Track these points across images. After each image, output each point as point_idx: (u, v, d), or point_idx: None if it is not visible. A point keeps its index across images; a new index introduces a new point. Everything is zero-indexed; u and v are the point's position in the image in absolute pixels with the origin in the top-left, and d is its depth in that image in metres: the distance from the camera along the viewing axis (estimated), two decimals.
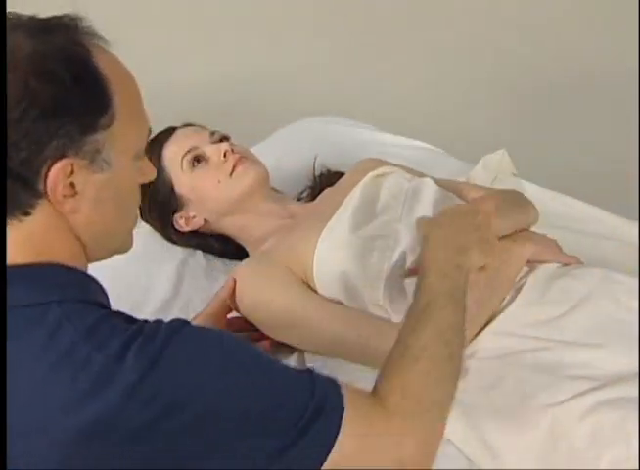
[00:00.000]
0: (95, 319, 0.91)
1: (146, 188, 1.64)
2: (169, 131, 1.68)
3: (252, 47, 2.97)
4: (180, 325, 0.94)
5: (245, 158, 1.64)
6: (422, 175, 1.66)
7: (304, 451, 0.93)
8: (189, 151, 1.62)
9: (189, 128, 1.69)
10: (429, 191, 1.54)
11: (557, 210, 1.78)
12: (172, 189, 1.64)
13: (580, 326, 1.34)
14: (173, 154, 1.63)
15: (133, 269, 1.70)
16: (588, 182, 2.30)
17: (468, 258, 1.18)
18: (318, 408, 0.94)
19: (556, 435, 1.22)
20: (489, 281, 1.39)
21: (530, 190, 1.83)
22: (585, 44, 2.98)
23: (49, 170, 0.91)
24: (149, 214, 1.72)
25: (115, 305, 1.60)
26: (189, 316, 1.53)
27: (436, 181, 1.59)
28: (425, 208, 1.50)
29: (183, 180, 1.63)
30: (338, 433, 0.95)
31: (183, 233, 1.70)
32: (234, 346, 0.97)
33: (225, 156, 1.61)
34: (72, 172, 0.93)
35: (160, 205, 1.67)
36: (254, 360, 0.97)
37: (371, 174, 1.60)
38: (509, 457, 1.24)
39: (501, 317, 1.38)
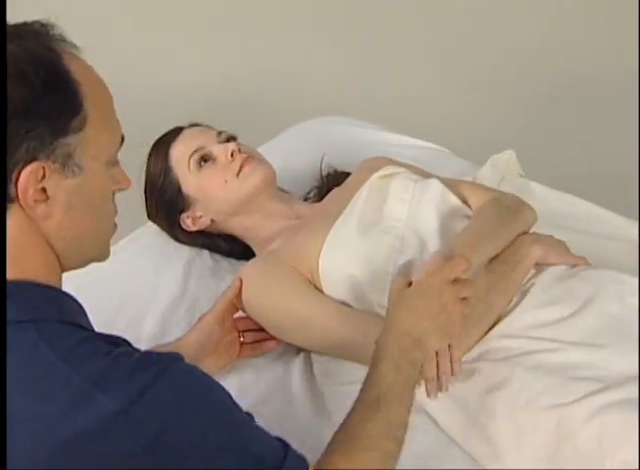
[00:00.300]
0: (74, 341, 0.90)
1: (153, 188, 1.67)
2: (176, 131, 1.69)
3: (259, 47, 2.97)
4: (170, 364, 0.92)
5: (252, 158, 1.64)
6: (428, 175, 1.66)
7: None
8: (196, 151, 1.63)
9: (196, 128, 1.70)
10: (435, 192, 1.54)
11: (563, 210, 1.78)
12: (179, 189, 1.65)
13: (586, 327, 1.33)
14: (180, 153, 1.64)
15: (140, 268, 1.70)
16: (592, 182, 2.29)
17: (424, 352, 1.17)
18: None
19: (562, 436, 1.21)
20: (497, 283, 1.39)
21: (538, 190, 1.83)
22: (590, 44, 2.97)
23: (20, 174, 0.90)
24: (156, 214, 1.72)
25: (122, 304, 1.63)
26: (195, 315, 1.54)
27: (442, 181, 1.59)
28: (430, 209, 1.51)
29: (190, 180, 1.63)
30: None
31: (190, 233, 1.70)
32: (220, 400, 0.96)
33: (232, 156, 1.61)
34: (44, 176, 0.92)
35: (166, 204, 1.67)
36: (237, 419, 0.96)
37: (377, 175, 1.60)
38: (514, 458, 1.25)
39: (507, 319, 1.38)
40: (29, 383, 0.86)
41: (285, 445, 1.00)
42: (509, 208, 1.51)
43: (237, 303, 1.50)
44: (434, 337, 1.18)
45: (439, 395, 1.33)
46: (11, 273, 0.93)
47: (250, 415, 1.01)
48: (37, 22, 0.96)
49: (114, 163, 1.02)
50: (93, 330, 0.99)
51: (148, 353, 0.95)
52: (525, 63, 2.99)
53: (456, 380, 1.33)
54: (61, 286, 1.00)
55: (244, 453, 0.93)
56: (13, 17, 1.00)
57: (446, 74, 3.03)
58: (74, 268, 1.03)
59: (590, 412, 1.21)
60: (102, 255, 1.08)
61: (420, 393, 1.36)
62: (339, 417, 1.38)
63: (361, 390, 1.14)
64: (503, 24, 3.05)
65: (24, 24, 0.95)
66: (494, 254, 1.43)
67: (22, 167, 0.90)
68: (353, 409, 1.11)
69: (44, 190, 0.93)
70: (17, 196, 0.91)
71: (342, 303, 1.45)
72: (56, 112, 0.92)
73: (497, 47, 3.01)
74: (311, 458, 1.05)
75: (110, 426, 0.85)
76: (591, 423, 1.20)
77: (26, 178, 0.91)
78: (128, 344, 0.99)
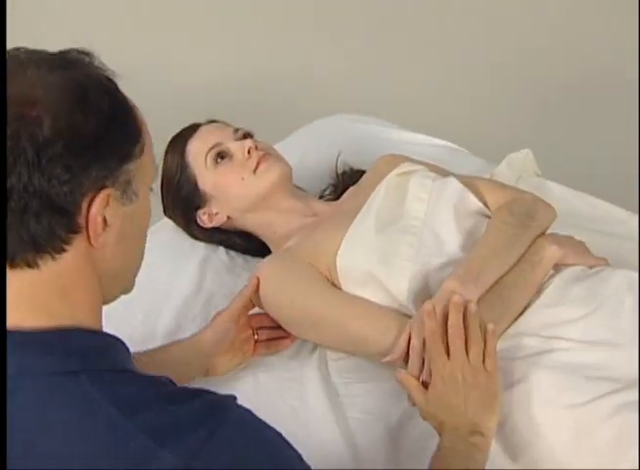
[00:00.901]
0: (131, 391, 0.87)
1: (169, 184, 1.68)
2: (193, 127, 1.69)
3: (274, 45, 2.98)
4: (226, 413, 0.89)
5: (268, 154, 1.64)
6: (446, 172, 1.65)
7: None
8: (213, 147, 1.63)
9: (213, 125, 1.70)
10: (453, 191, 1.54)
11: (581, 209, 1.77)
12: (196, 185, 1.65)
13: (602, 327, 1.33)
14: (197, 150, 1.64)
15: (156, 265, 1.70)
16: (609, 182, 2.28)
17: (482, 434, 1.19)
18: None
19: (580, 436, 1.21)
20: (516, 284, 1.39)
21: (555, 190, 1.82)
22: (608, 40, 2.95)
23: (91, 203, 0.87)
24: (172, 211, 1.72)
25: (138, 300, 1.63)
26: (211, 312, 1.54)
27: (460, 179, 1.58)
28: (448, 208, 1.51)
29: (206, 177, 1.63)
30: None
31: (206, 229, 1.70)
32: (274, 449, 0.92)
33: (249, 152, 1.61)
34: (107, 204, 0.89)
35: (183, 201, 1.68)
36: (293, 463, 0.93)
37: (394, 172, 1.60)
38: (531, 456, 1.24)
39: (524, 318, 1.38)
40: (87, 439, 0.83)
41: None
42: (524, 213, 1.50)
43: (254, 300, 1.50)
44: (484, 415, 1.20)
45: None
46: (60, 311, 0.89)
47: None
48: (74, 50, 0.92)
49: (151, 188, 1.00)
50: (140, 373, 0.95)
51: (205, 399, 0.90)
52: (543, 60, 2.98)
53: None
54: (102, 325, 0.95)
55: None
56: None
57: (462, 73, 3.02)
58: (107, 303, 0.98)
59: (608, 412, 1.21)
60: (131, 285, 1.03)
61: None
62: (353, 414, 1.39)
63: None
64: (520, 22, 3.04)
65: (65, 53, 0.92)
66: (508, 268, 1.42)
67: (94, 196, 0.87)
68: None
69: (104, 219, 0.89)
70: (86, 225, 0.88)
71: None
72: (122, 139, 0.90)
73: (514, 45, 3.00)
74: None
75: None
76: (609, 423, 1.20)
77: (97, 208, 0.87)
78: (172, 383, 0.94)
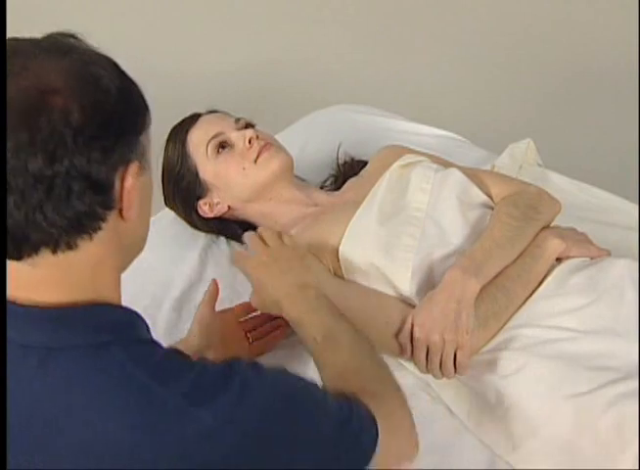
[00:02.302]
0: (158, 358, 0.90)
1: (170, 174, 1.67)
2: (194, 117, 1.69)
3: (275, 36, 2.97)
4: (249, 376, 0.94)
5: (270, 144, 1.63)
6: (448, 163, 1.65)
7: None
8: (214, 137, 1.62)
9: (214, 114, 1.70)
10: (455, 182, 1.54)
11: (582, 200, 1.77)
12: (197, 175, 1.64)
13: (603, 316, 1.34)
14: (198, 140, 1.64)
15: (157, 255, 1.70)
16: (610, 172, 2.28)
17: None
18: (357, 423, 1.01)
19: (580, 425, 1.21)
20: (518, 276, 1.40)
21: (556, 180, 1.82)
22: (611, 29, 2.94)
23: (123, 178, 0.89)
24: (173, 200, 1.72)
25: (139, 290, 1.63)
26: None
27: (462, 170, 1.58)
28: (451, 199, 1.51)
29: (208, 166, 1.63)
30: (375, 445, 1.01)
31: (207, 219, 1.70)
32: (295, 391, 0.99)
33: (250, 142, 1.61)
34: (137, 177, 0.91)
35: (184, 191, 1.67)
36: (312, 402, 1.00)
37: (397, 163, 1.60)
38: (531, 447, 1.24)
39: (525, 308, 1.39)
40: (123, 406, 0.86)
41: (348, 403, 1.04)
42: (529, 206, 1.51)
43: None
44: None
45: (457, 384, 1.34)
46: (88, 290, 0.91)
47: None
48: (59, 34, 0.93)
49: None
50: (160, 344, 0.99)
51: (226, 363, 0.96)
52: (544, 51, 2.97)
53: (473, 369, 1.33)
54: (121, 300, 0.99)
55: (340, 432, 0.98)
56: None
57: (464, 63, 3.01)
58: (122, 271, 1.00)
59: (608, 402, 1.21)
60: (140, 251, 1.05)
61: (437, 382, 1.37)
62: None
63: None
64: (522, 13, 3.03)
65: (54, 38, 0.92)
66: (512, 259, 1.43)
67: (125, 171, 0.89)
68: None
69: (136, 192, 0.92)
70: (121, 200, 0.90)
71: None
72: (136, 112, 0.92)
73: (516, 35, 2.99)
74: None
75: (211, 435, 0.87)
76: (609, 413, 1.20)
77: (131, 181, 0.90)
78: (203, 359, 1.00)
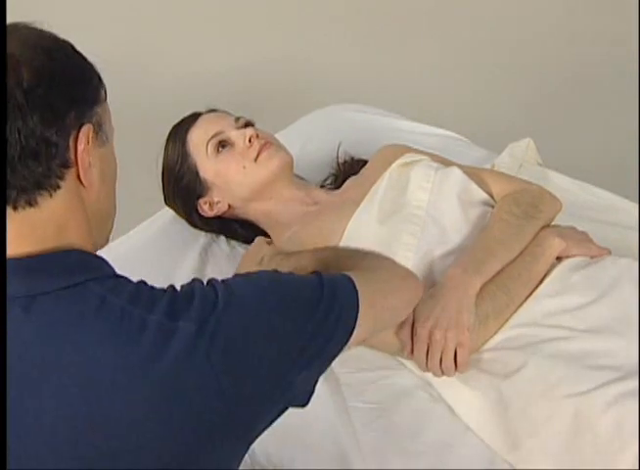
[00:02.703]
0: (133, 287, 0.94)
1: (170, 173, 1.67)
2: (194, 116, 1.68)
3: (275, 35, 2.97)
4: (221, 284, 0.97)
5: (270, 143, 1.63)
6: (448, 163, 1.65)
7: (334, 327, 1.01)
8: (214, 136, 1.62)
9: (213, 114, 1.69)
10: (456, 181, 1.55)
11: (582, 199, 1.77)
12: (197, 174, 1.64)
13: (603, 315, 1.34)
14: (198, 139, 1.63)
15: (157, 254, 1.70)
16: (610, 171, 2.28)
17: None
18: (332, 291, 1.02)
19: (580, 425, 1.21)
20: (519, 275, 1.40)
21: (556, 179, 1.82)
22: (610, 28, 2.95)
23: (78, 137, 0.94)
24: (173, 200, 1.72)
25: None
26: None
27: (463, 169, 1.59)
28: (451, 198, 1.51)
29: (208, 165, 1.63)
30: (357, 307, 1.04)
31: (207, 218, 1.70)
32: (272, 284, 1.02)
33: (250, 141, 1.61)
34: (89, 141, 0.95)
35: (184, 190, 1.67)
36: (287, 292, 1.01)
37: (398, 162, 1.60)
38: (531, 446, 1.24)
39: (525, 307, 1.39)
40: (107, 332, 0.89)
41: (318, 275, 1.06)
42: (530, 204, 1.51)
43: None
44: None
45: (456, 383, 1.34)
46: (56, 241, 0.94)
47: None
48: (21, 23, 0.99)
49: (111, 141, 1.05)
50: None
51: (197, 280, 1.00)
52: (544, 50, 2.98)
53: (473, 368, 1.33)
54: None
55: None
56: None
57: (464, 63, 3.02)
58: (93, 251, 1.03)
59: (607, 402, 1.21)
60: (106, 240, 1.09)
61: (438, 381, 1.37)
62: (354, 404, 1.39)
63: None
64: (521, 12, 3.03)
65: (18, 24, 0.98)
66: (513, 258, 1.43)
67: (77, 133, 0.94)
68: None
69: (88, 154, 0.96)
70: (75, 159, 0.94)
71: None
72: (90, 82, 0.98)
73: (515, 35, 2.99)
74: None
75: (195, 343, 0.89)
76: (609, 412, 1.20)
77: (83, 143, 0.94)
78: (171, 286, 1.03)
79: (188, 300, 0.93)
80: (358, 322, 1.03)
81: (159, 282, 1.63)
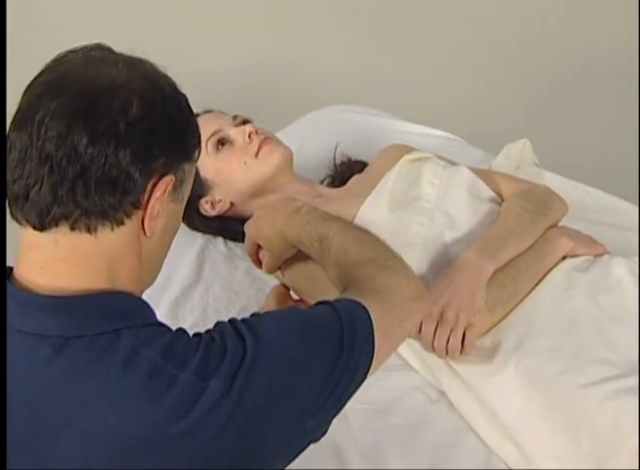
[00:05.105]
0: (167, 340, 0.91)
1: None
2: None
3: (274, 35, 2.97)
4: (255, 335, 0.94)
5: (269, 138, 1.65)
6: (452, 162, 1.67)
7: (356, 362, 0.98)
8: (213, 134, 1.62)
9: (210, 113, 1.69)
10: (464, 177, 1.57)
11: (579, 200, 1.77)
12: (197, 173, 1.64)
13: (603, 312, 1.35)
14: None
15: None
16: (607, 172, 2.28)
17: None
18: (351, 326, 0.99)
19: (578, 419, 1.22)
20: (527, 268, 1.42)
21: (552, 180, 1.82)
22: (607, 29, 2.95)
23: (155, 185, 0.92)
24: None
25: None
26: (209, 302, 1.54)
27: (470, 169, 1.60)
28: (460, 192, 1.54)
29: (208, 164, 1.62)
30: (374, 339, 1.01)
31: (207, 218, 1.69)
32: (300, 330, 0.98)
33: (250, 137, 1.62)
34: (166, 191, 0.93)
35: None
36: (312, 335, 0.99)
37: (408, 157, 1.62)
38: (529, 445, 1.25)
39: (526, 301, 1.40)
40: (133, 387, 0.87)
41: (331, 306, 1.03)
42: (540, 201, 1.54)
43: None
44: None
45: (455, 378, 1.34)
46: (107, 281, 0.93)
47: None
48: (97, 45, 0.98)
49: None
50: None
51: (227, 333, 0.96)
52: (542, 51, 2.98)
53: (472, 363, 1.33)
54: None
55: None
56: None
57: (462, 63, 3.01)
58: (140, 294, 1.01)
59: (604, 397, 1.22)
60: (149, 285, 1.06)
61: (438, 381, 1.37)
62: (352, 404, 1.39)
63: None
64: (519, 13, 3.03)
65: (95, 50, 0.97)
66: (524, 249, 1.45)
67: (160, 178, 0.92)
68: None
69: (160, 203, 0.94)
70: (147, 203, 0.92)
71: None
72: (190, 137, 0.97)
73: (513, 35, 2.99)
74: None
75: (221, 402, 0.87)
76: (606, 407, 1.21)
77: (162, 189, 0.92)
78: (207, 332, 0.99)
79: (221, 357, 0.90)
80: (375, 354, 1.01)
81: (157, 283, 1.64)
